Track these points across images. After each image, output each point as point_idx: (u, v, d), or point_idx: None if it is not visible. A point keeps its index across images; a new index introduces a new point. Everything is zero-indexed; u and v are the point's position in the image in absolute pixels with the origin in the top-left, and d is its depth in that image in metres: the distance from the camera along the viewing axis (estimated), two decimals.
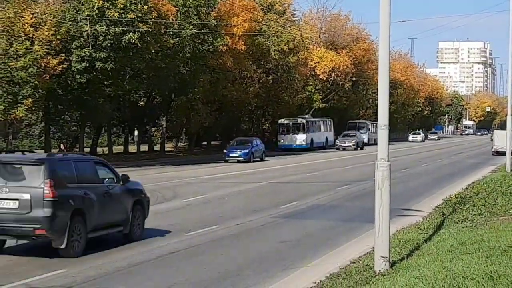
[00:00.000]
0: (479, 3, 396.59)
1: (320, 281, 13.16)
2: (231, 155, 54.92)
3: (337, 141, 75.66)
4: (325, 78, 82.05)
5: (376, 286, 11.35)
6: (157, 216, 23.03)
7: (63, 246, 15.98)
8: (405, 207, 23.46)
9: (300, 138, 71.08)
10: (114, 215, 19.89)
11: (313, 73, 79.66)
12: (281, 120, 75.19)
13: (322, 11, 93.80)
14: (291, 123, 73.94)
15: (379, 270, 13.04)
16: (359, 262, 14.69)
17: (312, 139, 73.48)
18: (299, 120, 72.69)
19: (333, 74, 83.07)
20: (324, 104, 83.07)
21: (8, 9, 43.45)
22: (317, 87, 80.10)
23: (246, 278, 13.86)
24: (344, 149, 68.00)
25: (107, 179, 19.65)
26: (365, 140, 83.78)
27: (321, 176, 39.48)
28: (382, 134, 13.71)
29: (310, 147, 71.97)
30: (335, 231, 20.01)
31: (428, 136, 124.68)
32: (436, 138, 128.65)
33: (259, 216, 22.86)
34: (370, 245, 15.09)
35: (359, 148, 68.09)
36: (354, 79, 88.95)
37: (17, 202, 16.56)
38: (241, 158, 53.99)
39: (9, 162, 18.10)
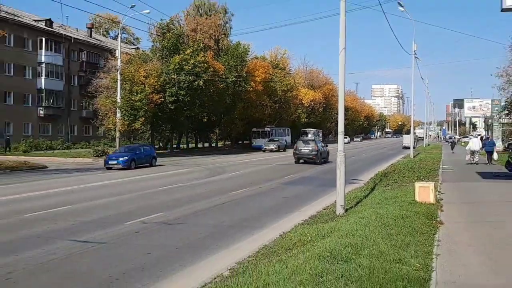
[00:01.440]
0: (395, 61, 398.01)
1: (306, 219, 13.35)
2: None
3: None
4: (307, 105, 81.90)
5: (337, 222, 11.50)
6: (213, 184, 23.24)
7: None
8: (353, 178, 23.54)
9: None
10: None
11: (301, 102, 79.56)
12: (254, 129, 65.24)
13: (306, 67, 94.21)
14: (260, 130, 64.52)
15: (339, 213, 13.24)
16: (327, 209, 14.84)
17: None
18: (266, 128, 64.58)
19: (312, 103, 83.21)
20: (307, 120, 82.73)
21: (131, 67, 43.92)
22: (303, 111, 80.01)
23: (265, 218, 13.97)
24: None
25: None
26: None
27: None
28: (340, 137, 14.00)
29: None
30: (314, 191, 20.10)
31: (354, 139, 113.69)
32: (359, 140, 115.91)
33: (270, 183, 22.84)
34: (333, 199, 15.22)
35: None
36: (324, 106, 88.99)
37: None
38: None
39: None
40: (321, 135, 79.62)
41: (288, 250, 9.26)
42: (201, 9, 59.16)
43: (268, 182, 23.41)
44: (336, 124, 16.24)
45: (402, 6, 34.01)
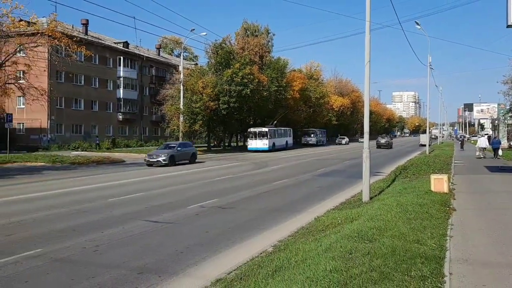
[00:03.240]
0: (412, 70, 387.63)
1: (337, 205, 13.20)
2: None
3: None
4: (337, 110, 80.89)
5: (363, 208, 11.32)
6: (258, 175, 23.26)
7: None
8: (376, 171, 23.12)
9: (264, 142, 48.14)
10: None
11: (332, 107, 78.54)
12: (250, 129, 50.62)
13: (336, 77, 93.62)
14: (257, 131, 49.37)
15: (365, 201, 13.02)
16: (355, 197, 14.63)
17: (274, 143, 49.48)
18: (263, 129, 49.39)
19: (341, 108, 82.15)
20: (337, 122, 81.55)
21: (192, 80, 44.51)
22: (333, 114, 78.78)
23: (301, 204, 13.89)
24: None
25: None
26: (313, 142, 66.14)
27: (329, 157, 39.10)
28: (366, 136, 13.78)
29: (271, 149, 48.15)
30: (344, 182, 19.84)
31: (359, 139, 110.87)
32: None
33: (306, 175, 22.71)
34: (359, 189, 14.98)
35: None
36: (351, 110, 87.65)
37: None
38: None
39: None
40: (325, 135, 72.67)
41: (322, 231, 9.18)
42: (248, 31, 59.28)
43: (305, 174, 23.23)
44: (362, 126, 15.96)
45: (419, 25, 33.29)
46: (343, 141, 75.39)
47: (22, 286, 6.33)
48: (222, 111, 46.04)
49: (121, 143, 52.40)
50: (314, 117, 71.08)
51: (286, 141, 55.83)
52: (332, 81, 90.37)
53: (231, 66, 46.81)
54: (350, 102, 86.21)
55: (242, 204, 13.62)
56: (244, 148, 53.20)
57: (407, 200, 11.51)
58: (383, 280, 5.60)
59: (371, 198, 13.23)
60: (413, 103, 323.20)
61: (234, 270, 6.93)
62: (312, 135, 66.55)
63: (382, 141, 57.01)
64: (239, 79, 45.58)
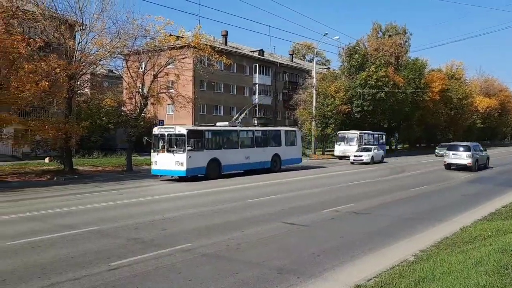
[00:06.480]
0: None
1: (485, 215, 12.01)
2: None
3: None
4: (483, 111, 73.90)
5: None
6: (394, 181, 22.28)
7: None
8: None
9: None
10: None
11: (476, 109, 71.92)
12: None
13: (481, 76, 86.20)
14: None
15: None
16: (506, 207, 13.19)
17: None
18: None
19: (487, 110, 74.89)
20: (482, 125, 74.42)
21: (324, 84, 44.73)
22: (478, 116, 71.97)
23: (444, 212, 12.95)
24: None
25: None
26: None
27: None
28: None
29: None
30: (493, 190, 18.00)
31: None
32: None
33: (449, 182, 21.17)
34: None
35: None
36: (499, 111, 79.32)
37: None
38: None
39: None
40: (381, 139, 45.77)
41: (469, 243, 8.46)
42: (381, 31, 57.54)
43: (447, 180, 21.71)
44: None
45: None
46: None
47: (177, 277, 6.98)
48: (355, 114, 45.31)
49: None
50: (455, 120, 66.08)
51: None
52: (476, 80, 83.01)
53: (366, 69, 45.84)
54: (498, 103, 78.11)
55: (379, 210, 13.21)
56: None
57: None
58: None
59: None
60: None
61: (373, 277, 6.76)
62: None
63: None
64: (373, 82, 44.44)
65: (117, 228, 10.42)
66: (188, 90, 34.37)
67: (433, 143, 62.85)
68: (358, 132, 41.35)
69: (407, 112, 51.86)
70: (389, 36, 56.28)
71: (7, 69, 20.95)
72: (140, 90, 27.80)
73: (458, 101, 63.88)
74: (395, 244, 9.25)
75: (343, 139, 41.20)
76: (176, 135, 21.68)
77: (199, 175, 22.14)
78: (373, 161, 34.46)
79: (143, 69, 27.82)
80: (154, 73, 27.34)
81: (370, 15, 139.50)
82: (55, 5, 24.15)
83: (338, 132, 42.77)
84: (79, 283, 6.57)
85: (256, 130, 27.54)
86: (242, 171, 25.23)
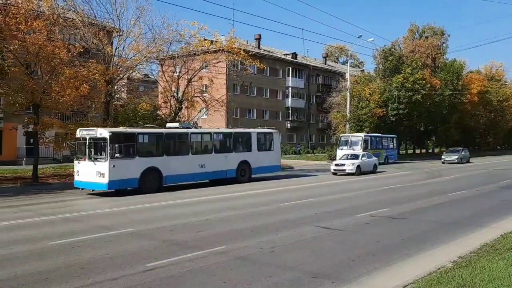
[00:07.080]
0: None
1: None
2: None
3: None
4: None
5: None
6: (431, 185, 21.77)
7: None
8: None
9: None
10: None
11: None
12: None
13: None
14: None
15: None
16: None
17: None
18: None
19: None
20: None
21: (358, 87, 44.17)
22: None
23: (483, 217, 12.53)
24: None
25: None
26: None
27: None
28: None
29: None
30: None
31: None
32: None
33: (487, 186, 20.53)
34: None
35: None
36: None
37: None
38: None
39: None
40: (392, 142, 42.58)
41: (511, 250, 8.17)
42: (417, 33, 56.49)
43: (485, 185, 21.08)
44: None
45: None
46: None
47: (211, 279, 7.04)
48: (391, 117, 44.57)
49: (289, 150, 54.63)
50: (495, 123, 64.00)
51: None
52: None
53: (401, 71, 45.05)
54: None
55: (415, 215, 12.94)
56: (413, 156, 50.42)
57: None
58: None
59: None
60: None
61: (410, 283, 6.61)
62: None
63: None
64: (409, 85, 43.64)
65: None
66: (222, 93, 34.73)
67: (471, 146, 61.06)
68: (362, 134, 38.19)
69: (444, 115, 50.68)
70: (426, 37, 55.21)
71: (49, 75, 21.81)
72: (175, 94, 28.32)
73: (498, 103, 62.04)
74: (432, 249, 9.00)
75: (346, 142, 37.47)
76: (98, 139, 17.53)
77: (128, 188, 18.17)
78: (359, 172, 27.33)
79: (177, 74, 28.34)
80: (189, 77, 27.80)
81: (408, 15, 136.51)
82: (94, 12, 25.03)
83: (341, 135, 40.14)
84: (117, 283, 6.73)
85: (215, 133, 22.42)
86: (195, 182, 20.86)
